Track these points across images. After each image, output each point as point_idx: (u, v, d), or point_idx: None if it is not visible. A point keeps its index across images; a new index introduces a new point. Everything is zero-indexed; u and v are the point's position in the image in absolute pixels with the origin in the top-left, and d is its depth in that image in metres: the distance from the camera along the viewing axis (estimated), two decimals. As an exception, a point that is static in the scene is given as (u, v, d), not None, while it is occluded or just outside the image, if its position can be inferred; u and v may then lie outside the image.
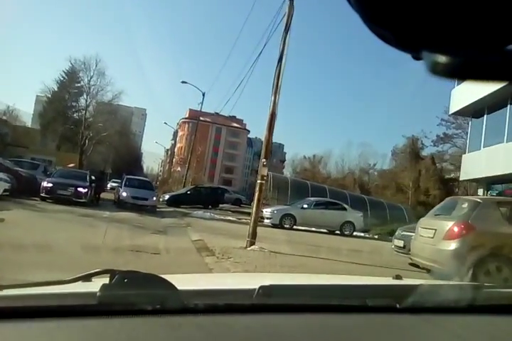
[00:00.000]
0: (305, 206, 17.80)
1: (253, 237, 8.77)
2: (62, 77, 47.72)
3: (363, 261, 8.13)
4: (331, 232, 17.45)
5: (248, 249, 8.47)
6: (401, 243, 9.17)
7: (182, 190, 27.00)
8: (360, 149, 64.50)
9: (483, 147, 16.40)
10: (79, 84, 47.54)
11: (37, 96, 49.57)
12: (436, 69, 0.44)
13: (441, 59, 0.43)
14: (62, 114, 46.22)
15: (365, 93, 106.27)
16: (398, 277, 1.59)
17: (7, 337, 0.89)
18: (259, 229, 9.27)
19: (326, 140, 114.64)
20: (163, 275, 1.07)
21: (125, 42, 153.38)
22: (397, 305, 1.16)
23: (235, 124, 78.19)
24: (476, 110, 16.98)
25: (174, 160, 56.25)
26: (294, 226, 17.01)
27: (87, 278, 1.16)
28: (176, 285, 1.03)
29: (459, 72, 0.45)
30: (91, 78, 45.96)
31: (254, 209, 9.50)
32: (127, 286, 1.01)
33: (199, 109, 32.41)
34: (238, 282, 1.73)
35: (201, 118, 37.77)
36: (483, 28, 0.41)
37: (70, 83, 47.55)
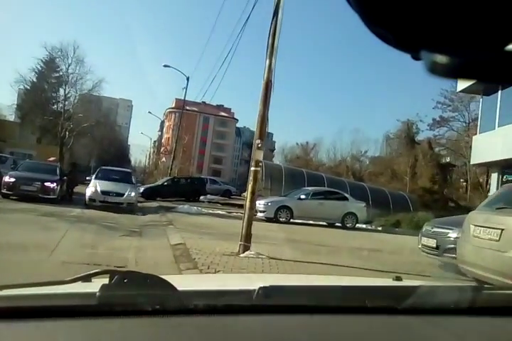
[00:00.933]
0: (302, 197, 15.90)
1: (247, 240, 6.78)
2: (40, 66, 45.55)
3: (390, 267, 6.31)
4: (331, 225, 15.75)
5: (242, 255, 6.58)
6: (432, 242, 7.21)
7: (159, 182, 25.00)
8: (352, 135, 62.85)
9: (498, 126, 14.90)
10: (58, 74, 45.37)
11: (19, 89, 47.04)
12: (435, 69, 0.44)
13: (441, 59, 0.43)
14: (41, 106, 44.12)
15: (357, 76, 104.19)
16: (398, 278, 1.51)
17: (7, 337, 0.88)
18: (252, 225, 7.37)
19: (316, 127, 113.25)
20: (163, 276, 1.03)
21: (106, 28, 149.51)
22: (397, 307, 1.11)
23: (223, 113, 76.11)
24: (488, 86, 15.37)
25: (161, 150, 54.38)
26: (291, 220, 15.21)
27: (86, 278, 1.13)
28: (176, 286, 1.01)
29: (458, 72, 0.45)
30: (69, 66, 44.02)
31: (247, 203, 7.39)
32: (127, 287, 0.99)
33: (184, 94, 30.43)
34: (238, 283, 1.69)
35: (187, 108, 35.95)
36: (482, 27, 0.41)
37: (49, 72, 45.39)
